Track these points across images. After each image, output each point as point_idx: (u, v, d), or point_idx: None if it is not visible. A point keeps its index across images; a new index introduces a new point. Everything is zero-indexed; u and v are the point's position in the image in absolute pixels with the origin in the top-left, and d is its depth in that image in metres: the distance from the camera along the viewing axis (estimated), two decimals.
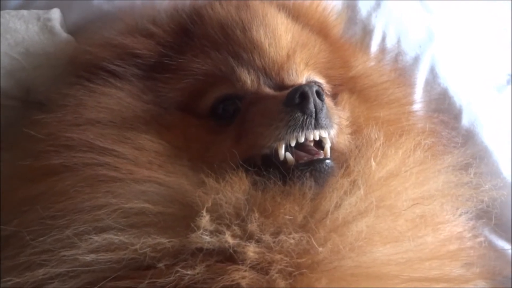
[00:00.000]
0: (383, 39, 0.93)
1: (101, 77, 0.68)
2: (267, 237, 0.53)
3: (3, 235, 0.59)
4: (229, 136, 0.63)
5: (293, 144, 0.59)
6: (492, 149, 0.91)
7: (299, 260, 0.52)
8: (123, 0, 0.81)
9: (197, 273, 0.51)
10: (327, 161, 0.59)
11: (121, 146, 0.59)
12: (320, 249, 0.53)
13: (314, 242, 0.53)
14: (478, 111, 0.94)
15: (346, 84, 0.75)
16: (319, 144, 0.61)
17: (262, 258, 0.52)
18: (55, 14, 0.78)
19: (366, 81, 0.78)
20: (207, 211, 0.53)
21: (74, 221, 0.54)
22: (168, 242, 0.52)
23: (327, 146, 0.61)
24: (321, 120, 0.60)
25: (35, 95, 0.75)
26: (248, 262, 0.52)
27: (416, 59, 0.93)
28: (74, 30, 0.82)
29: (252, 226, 0.53)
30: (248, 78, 0.65)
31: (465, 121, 0.92)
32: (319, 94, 0.60)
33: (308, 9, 0.79)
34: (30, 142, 0.64)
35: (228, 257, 0.53)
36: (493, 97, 1.02)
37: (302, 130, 0.59)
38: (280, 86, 0.66)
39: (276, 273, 0.52)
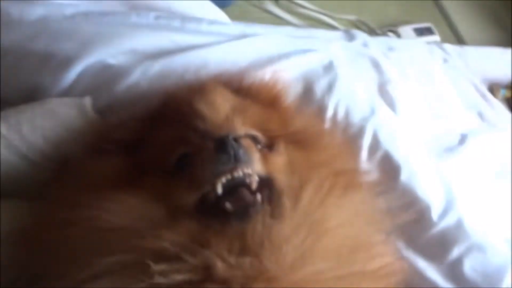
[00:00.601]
0: (335, 114, 1.17)
1: (100, 153, 0.89)
2: (228, 259, 0.66)
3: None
4: (184, 182, 0.78)
5: (224, 180, 0.75)
6: (424, 198, 1.07)
7: (253, 278, 0.65)
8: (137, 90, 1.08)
9: None
10: (257, 206, 0.73)
11: (107, 203, 0.75)
12: (269, 265, 0.65)
13: (263, 261, 0.65)
14: (415, 169, 1.12)
15: (284, 137, 0.91)
16: (259, 188, 0.76)
17: (227, 275, 0.65)
18: (88, 101, 1.02)
19: (303, 134, 0.96)
20: (156, 256, 0.66)
21: (78, 270, 0.68)
22: (142, 283, 0.65)
23: (255, 179, 0.76)
24: (240, 157, 0.74)
25: (71, 160, 0.95)
26: (217, 279, 0.65)
27: (361, 128, 1.15)
28: (100, 112, 1.05)
29: (205, 257, 0.66)
30: (195, 138, 0.83)
31: (403, 176, 1.10)
32: (236, 139, 0.77)
33: (256, 88, 1.00)
34: (52, 198, 0.83)
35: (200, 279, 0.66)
36: (429, 157, 1.21)
37: (226, 166, 0.74)
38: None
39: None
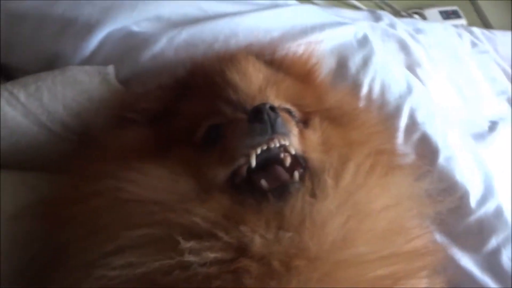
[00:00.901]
0: (370, 91, 1.09)
1: (125, 123, 0.85)
2: (266, 235, 0.62)
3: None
4: (215, 155, 0.73)
5: (259, 151, 0.68)
6: (462, 184, 1.01)
7: (293, 256, 0.60)
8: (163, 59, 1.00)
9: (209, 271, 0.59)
10: (296, 184, 0.68)
11: (133, 174, 0.71)
12: (310, 244, 0.61)
13: (304, 239, 0.61)
14: (453, 152, 1.06)
15: (318, 114, 0.85)
16: (292, 166, 0.71)
17: (265, 252, 0.60)
18: (111, 70, 0.96)
19: (338, 111, 0.90)
20: (185, 231, 0.62)
21: (101, 243, 0.64)
22: (171, 261, 0.59)
23: (292, 152, 0.71)
24: (278, 128, 0.68)
25: (93, 131, 0.90)
26: (253, 255, 0.60)
27: (397, 107, 1.08)
28: (124, 81, 0.99)
29: (240, 234, 0.61)
30: (227, 110, 0.78)
31: (441, 159, 1.04)
32: (273, 108, 0.70)
33: (290, 61, 0.94)
34: (74, 170, 0.78)
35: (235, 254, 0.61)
36: (468, 141, 1.15)
37: (262, 136, 0.68)
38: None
39: (278, 264, 0.59)
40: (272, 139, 0.69)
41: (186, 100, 0.86)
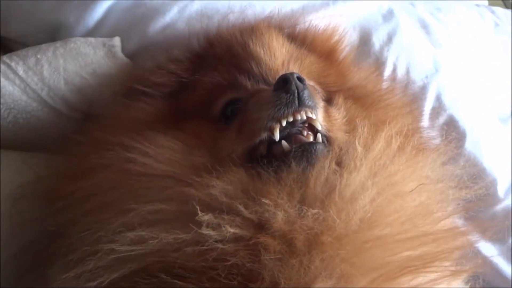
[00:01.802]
0: (394, 70, 0.99)
1: (135, 96, 0.78)
2: (289, 210, 0.56)
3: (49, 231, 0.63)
4: (233, 129, 0.67)
5: (284, 123, 0.62)
6: (491, 171, 0.94)
7: (317, 233, 0.54)
8: (173, 31, 0.91)
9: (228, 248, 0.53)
10: (319, 144, 0.62)
11: (145, 145, 0.65)
12: (337, 221, 0.55)
13: (331, 215, 0.55)
14: (481, 135, 0.97)
15: (342, 93, 0.79)
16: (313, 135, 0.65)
17: (287, 228, 0.55)
18: (117, 42, 0.87)
19: (362, 91, 0.83)
20: (202, 205, 0.56)
21: (109, 219, 0.58)
22: (185, 235, 0.54)
23: (318, 127, 0.64)
24: (305, 100, 0.62)
25: (95, 108, 0.83)
26: (274, 232, 0.54)
27: (423, 88, 0.98)
28: (131, 55, 0.90)
29: (261, 208, 0.55)
30: (248, 83, 0.72)
31: (468, 144, 0.95)
32: (300, 79, 0.63)
33: (312, 36, 0.86)
34: (76, 146, 0.72)
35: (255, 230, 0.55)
36: (496, 125, 1.05)
37: (288, 108, 0.62)
38: None
39: (301, 242, 0.54)
40: (298, 111, 0.63)
41: (203, 72, 0.78)
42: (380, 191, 0.59)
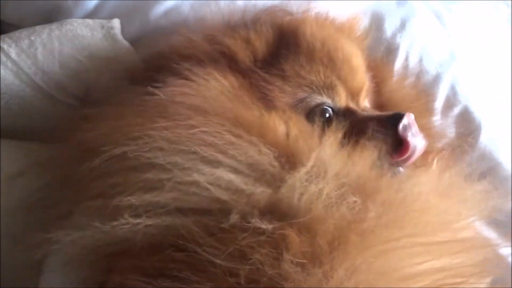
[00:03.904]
0: (406, 58, 0.90)
1: (201, 66, 0.66)
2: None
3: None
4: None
5: None
6: (507, 166, 0.86)
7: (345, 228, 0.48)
8: (178, 15, 0.83)
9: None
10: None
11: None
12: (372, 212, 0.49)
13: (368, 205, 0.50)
14: (497, 128, 0.89)
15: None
16: None
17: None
18: (116, 24, 0.78)
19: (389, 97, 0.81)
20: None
21: (200, 143, 0.51)
22: (264, 192, 0.50)
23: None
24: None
25: (93, 94, 0.75)
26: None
27: (437, 77, 0.90)
28: (133, 40, 0.81)
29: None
30: (343, 95, 0.69)
31: (484, 137, 0.87)
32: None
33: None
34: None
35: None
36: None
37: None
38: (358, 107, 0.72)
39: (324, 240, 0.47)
40: None
41: (292, 62, 0.70)
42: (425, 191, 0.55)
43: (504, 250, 0.84)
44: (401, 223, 0.51)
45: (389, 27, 0.92)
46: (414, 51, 0.92)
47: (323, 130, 0.63)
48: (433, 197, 0.56)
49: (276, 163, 0.53)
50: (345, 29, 0.79)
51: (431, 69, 0.91)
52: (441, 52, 0.93)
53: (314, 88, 0.69)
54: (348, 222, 0.48)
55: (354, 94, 0.72)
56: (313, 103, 0.68)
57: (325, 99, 0.69)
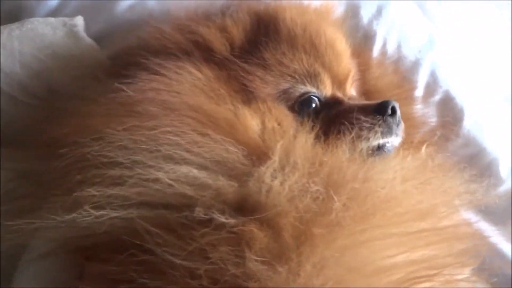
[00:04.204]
0: (384, 44, 0.88)
1: (172, 60, 0.64)
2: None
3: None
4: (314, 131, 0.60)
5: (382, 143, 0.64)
6: (492, 151, 0.84)
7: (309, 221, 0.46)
8: (143, 9, 0.80)
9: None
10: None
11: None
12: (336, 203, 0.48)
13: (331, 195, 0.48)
14: (480, 113, 0.87)
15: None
16: None
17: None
18: (79, 21, 0.76)
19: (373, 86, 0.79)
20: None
21: (164, 143, 0.50)
22: (231, 186, 0.49)
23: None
24: (398, 130, 0.65)
25: (56, 93, 0.72)
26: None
27: (416, 63, 0.88)
28: (97, 37, 0.78)
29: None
30: (328, 83, 0.67)
31: (467, 121, 0.85)
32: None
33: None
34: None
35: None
36: (497, 103, 0.93)
37: (391, 135, 0.64)
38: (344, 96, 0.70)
39: (289, 235, 0.46)
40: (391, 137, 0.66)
41: (273, 51, 0.68)
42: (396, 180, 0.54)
43: (495, 238, 0.82)
44: (369, 214, 0.48)
45: (365, 14, 0.89)
46: (391, 37, 0.89)
47: (303, 122, 0.61)
48: (405, 186, 0.54)
49: (245, 161, 0.51)
50: (325, 15, 0.76)
51: (410, 55, 0.89)
52: (420, 38, 0.90)
53: (297, 77, 0.66)
54: (314, 214, 0.46)
55: (340, 82, 0.69)
56: (297, 93, 0.66)
57: (309, 88, 0.66)
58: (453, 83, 0.89)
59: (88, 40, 0.75)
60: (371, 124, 0.63)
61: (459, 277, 0.53)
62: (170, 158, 0.50)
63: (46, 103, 0.73)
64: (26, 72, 0.70)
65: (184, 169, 0.49)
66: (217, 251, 0.44)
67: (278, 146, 0.51)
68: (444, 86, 0.88)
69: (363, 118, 0.64)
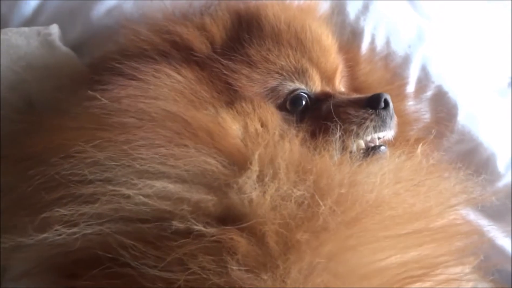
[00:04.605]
0: (373, 41, 0.85)
1: (149, 63, 0.61)
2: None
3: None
4: (305, 129, 0.60)
5: (376, 137, 0.63)
6: (488, 145, 0.82)
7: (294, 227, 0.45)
8: (120, 13, 0.77)
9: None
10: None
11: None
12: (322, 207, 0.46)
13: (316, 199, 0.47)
14: (475, 107, 0.84)
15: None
16: None
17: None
18: (54, 29, 0.73)
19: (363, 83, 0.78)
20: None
21: (138, 158, 0.48)
22: (210, 200, 0.47)
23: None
24: (391, 123, 0.63)
25: (36, 105, 0.69)
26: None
27: (406, 59, 0.85)
28: (75, 45, 0.76)
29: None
30: (317, 79, 0.65)
31: (461, 116, 0.83)
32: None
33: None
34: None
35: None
36: (491, 96, 0.91)
37: (385, 129, 0.62)
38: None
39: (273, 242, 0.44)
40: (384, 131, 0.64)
41: (257, 48, 0.65)
42: (386, 183, 0.52)
43: (495, 234, 0.80)
44: (358, 218, 0.47)
45: (352, 10, 0.86)
46: (380, 33, 0.86)
47: (293, 121, 0.60)
48: (397, 188, 0.52)
49: (225, 170, 0.49)
50: (309, 11, 0.74)
51: (400, 50, 0.86)
52: (409, 32, 0.87)
53: (285, 74, 0.64)
54: (300, 220, 0.45)
55: (328, 78, 0.67)
56: (286, 91, 0.64)
57: (298, 85, 0.64)
58: (445, 77, 0.86)
59: (65, 48, 0.72)
60: (363, 118, 0.62)
61: (455, 275, 0.52)
62: (145, 173, 0.47)
63: (24, 116, 0.70)
64: (3, 85, 0.67)
65: (159, 184, 0.46)
66: (197, 261, 0.42)
67: (256, 156, 0.49)
68: (437, 81, 0.85)
69: (353, 113, 0.62)
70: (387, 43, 0.86)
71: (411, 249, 0.49)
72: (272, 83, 0.63)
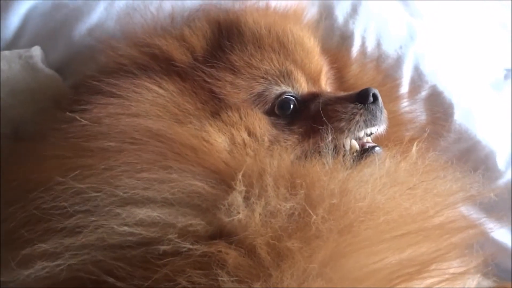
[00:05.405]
0: (363, 43, 0.83)
1: (129, 78, 0.60)
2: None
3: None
4: (296, 132, 0.59)
5: (368, 133, 0.62)
6: (487, 143, 0.80)
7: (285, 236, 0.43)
8: (103, 32, 0.75)
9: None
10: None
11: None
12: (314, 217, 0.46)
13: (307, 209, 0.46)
14: (471, 105, 0.83)
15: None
16: None
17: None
18: (37, 51, 0.71)
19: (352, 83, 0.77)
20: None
21: (120, 185, 0.46)
22: (198, 223, 0.46)
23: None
24: (382, 117, 0.62)
25: (22, 130, 0.68)
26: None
27: (398, 60, 0.84)
28: (58, 66, 0.75)
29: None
30: (303, 81, 0.63)
31: (458, 115, 0.81)
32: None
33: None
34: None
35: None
36: (487, 92, 0.89)
37: (376, 123, 0.62)
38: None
39: (264, 252, 0.44)
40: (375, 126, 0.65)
41: (240, 54, 0.64)
42: (378, 188, 0.51)
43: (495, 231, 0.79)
44: (351, 225, 0.46)
45: (340, 14, 0.84)
46: (370, 35, 0.85)
47: (283, 125, 0.60)
48: (392, 193, 0.51)
49: (212, 190, 0.47)
50: (290, 16, 0.73)
51: (391, 51, 0.84)
52: (400, 32, 0.85)
53: (270, 78, 0.63)
54: (292, 230, 0.44)
55: (314, 79, 0.67)
56: (273, 95, 0.62)
57: (284, 88, 0.63)
58: (439, 76, 0.84)
59: (48, 70, 0.70)
60: (352, 114, 0.61)
61: (451, 269, 0.51)
62: (129, 201, 0.45)
63: (10, 143, 0.69)
64: None
65: (144, 212, 0.44)
66: (185, 276, 0.41)
67: (240, 176, 0.47)
68: (431, 81, 0.84)
69: (342, 109, 0.61)
70: (378, 45, 0.84)
71: (406, 249, 0.48)
72: (258, 88, 0.62)
